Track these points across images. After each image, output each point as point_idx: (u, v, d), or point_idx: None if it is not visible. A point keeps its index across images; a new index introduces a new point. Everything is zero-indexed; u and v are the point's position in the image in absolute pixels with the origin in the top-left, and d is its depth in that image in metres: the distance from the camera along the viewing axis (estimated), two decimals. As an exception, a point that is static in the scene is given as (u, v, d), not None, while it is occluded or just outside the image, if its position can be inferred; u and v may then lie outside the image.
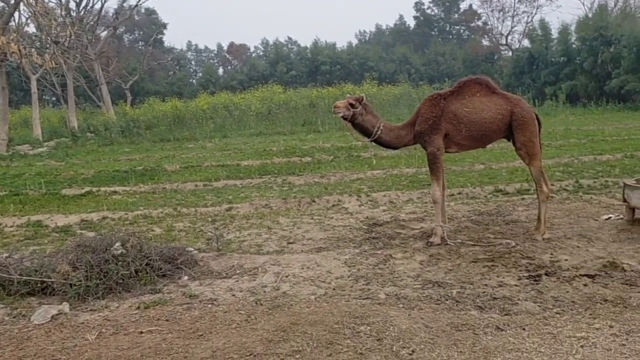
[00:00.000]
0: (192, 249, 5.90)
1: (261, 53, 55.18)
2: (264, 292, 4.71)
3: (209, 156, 14.95)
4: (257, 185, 10.29)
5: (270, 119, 24.44)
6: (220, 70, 56.50)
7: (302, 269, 5.29)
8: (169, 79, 44.19)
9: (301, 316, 4.06)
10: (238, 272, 5.27)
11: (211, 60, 62.79)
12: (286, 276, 5.08)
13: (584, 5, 37.84)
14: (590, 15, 29.67)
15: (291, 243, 6.31)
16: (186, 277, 5.19)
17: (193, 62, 63.93)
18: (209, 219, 7.62)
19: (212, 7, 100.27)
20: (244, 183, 10.59)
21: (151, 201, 9.24)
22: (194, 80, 49.41)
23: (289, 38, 55.53)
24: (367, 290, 4.64)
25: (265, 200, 8.76)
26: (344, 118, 5.99)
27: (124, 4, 33.42)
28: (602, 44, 25.90)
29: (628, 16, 29.78)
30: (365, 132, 6.09)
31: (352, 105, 5.96)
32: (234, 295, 4.69)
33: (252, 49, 60.80)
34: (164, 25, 48.60)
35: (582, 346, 3.37)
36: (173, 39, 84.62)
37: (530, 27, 35.50)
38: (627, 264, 4.90)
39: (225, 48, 63.42)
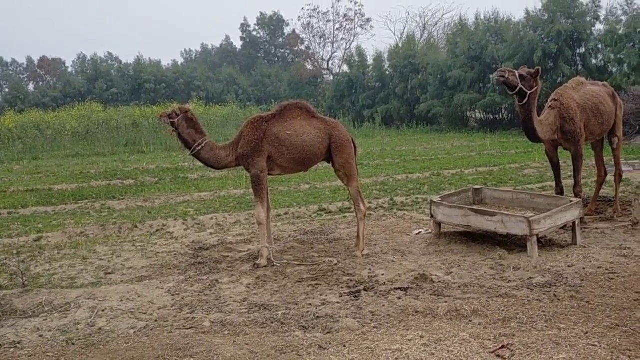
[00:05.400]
0: (-9, 287, 5.25)
1: (78, 69, 51.54)
2: (77, 330, 4.32)
3: (16, 180, 13.51)
4: (72, 212, 9.50)
5: (89, 139, 22.80)
6: (31, 86, 51.65)
7: (121, 301, 4.96)
8: (-31, 95, 39.43)
9: (118, 354, 3.78)
10: (47, 309, 4.78)
11: (20, 75, 57.28)
12: (102, 310, 4.71)
13: (394, 35, 40.97)
14: (400, 44, 32.11)
15: (109, 273, 5.91)
16: (-17, 320, 4.58)
17: (-2, 77, 57.99)
18: (14, 252, 6.83)
19: (21, 18, 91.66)
20: (56, 210, 9.71)
21: (-59, 234, 8.07)
22: (-1, 97, 44.65)
23: (110, 54, 52.78)
24: (192, 319, 4.48)
25: (81, 228, 8.13)
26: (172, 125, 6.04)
27: None
28: (411, 72, 28.35)
29: (432, 47, 33.01)
30: (186, 145, 6.10)
31: (170, 115, 6.01)
32: (41, 336, 4.23)
33: (68, 64, 56.74)
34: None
35: (396, 358, 3.56)
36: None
37: (349, 54, 37.61)
38: (435, 275, 5.33)
39: (36, 62, 58.39)
